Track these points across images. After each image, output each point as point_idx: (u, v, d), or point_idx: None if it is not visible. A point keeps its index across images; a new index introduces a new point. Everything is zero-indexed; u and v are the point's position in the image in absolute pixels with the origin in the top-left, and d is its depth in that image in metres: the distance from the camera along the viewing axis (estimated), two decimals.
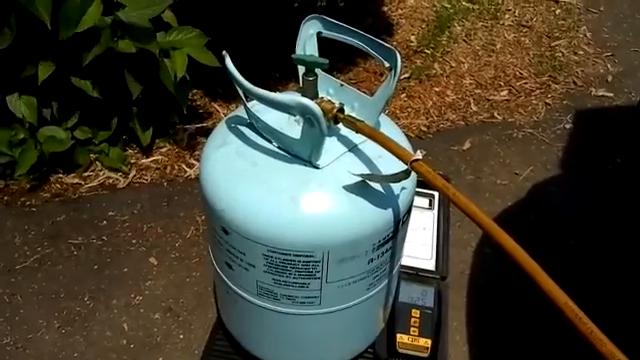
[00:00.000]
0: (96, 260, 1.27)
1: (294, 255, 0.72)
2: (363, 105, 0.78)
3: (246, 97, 0.76)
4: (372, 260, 0.78)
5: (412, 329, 1.07)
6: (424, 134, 1.69)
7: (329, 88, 0.82)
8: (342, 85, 0.81)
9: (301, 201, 0.70)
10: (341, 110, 0.73)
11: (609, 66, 2.02)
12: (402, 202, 0.77)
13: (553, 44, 2.12)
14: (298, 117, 0.74)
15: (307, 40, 0.81)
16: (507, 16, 2.25)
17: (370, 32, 0.74)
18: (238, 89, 0.75)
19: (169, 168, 1.52)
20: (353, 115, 0.73)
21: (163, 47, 1.37)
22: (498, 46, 2.09)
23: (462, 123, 1.74)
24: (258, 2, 1.66)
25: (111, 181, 1.47)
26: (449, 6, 2.26)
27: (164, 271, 1.25)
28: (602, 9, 2.32)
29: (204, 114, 1.70)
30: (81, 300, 1.19)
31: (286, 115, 0.75)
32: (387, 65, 0.73)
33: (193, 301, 1.19)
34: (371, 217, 0.72)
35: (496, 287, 1.26)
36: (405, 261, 1.25)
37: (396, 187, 0.75)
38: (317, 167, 0.72)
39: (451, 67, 1.98)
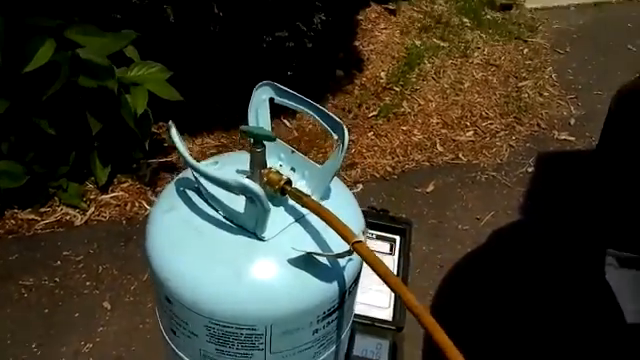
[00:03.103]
0: (47, 304, 1.23)
1: (236, 328, 0.71)
2: (312, 174, 0.78)
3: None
4: (317, 330, 0.77)
5: None
6: (389, 175, 1.70)
7: (281, 153, 0.82)
8: (293, 152, 0.81)
9: (244, 275, 0.69)
10: (288, 182, 0.73)
11: (572, 109, 2.07)
12: (348, 273, 0.76)
13: (520, 84, 2.16)
14: None
15: (259, 106, 0.81)
16: (476, 54, 2.29)
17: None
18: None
19: (129, 205, 1.49)
20: (300, 188, 0.73)
21: (124, 82, 1.36)
22: (466, 85, 2.12)
23: (427, 164, 1.76)
24: (225, 40, 1.66)
25: (68, 218, 1.44)
26: (419, 43, 2.29)
27: (117, 317, 1.22)
28: (568, 50, 2.38)
29: (168, 148, 1.69)
30: (28, 347, 1.15)
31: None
32: (335, 137, 0.74)
33: (144, 350, 1.17)
34: (316, 290, 0.72)
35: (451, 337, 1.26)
36: (361, 309, 1.25)
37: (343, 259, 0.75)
38: (262, 239, 0.72)
39: (419, 105, 2.00)
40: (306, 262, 0.71)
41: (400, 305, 1.28)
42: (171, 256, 0.73)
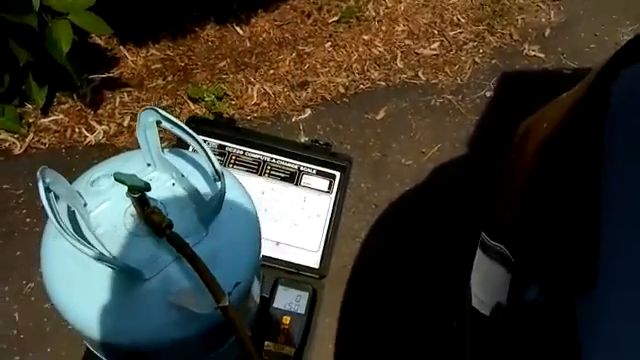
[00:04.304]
0: None
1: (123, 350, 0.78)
2: (200, 205, 0.78)
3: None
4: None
5: (280, 337, 1.17)
6: (341, 97, 1.65)
7: (173, 172, 0.81)
8: (183, 176, 0.80)
9: (123, 312, 0.74)
10: (169, 226, 0.73)
11: (552, 14, 1.93)
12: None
13: None
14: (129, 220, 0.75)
15: (147, 127, 0.77)
16: None
17: None
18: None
19: (69, 131, 1.48)
20: (178, 234, 0.73)
21: (44, 12, 1.25)
22: None
23: (383, 84, 1.69)
24: None
25: (7, 145, 1.44)
26: None
27: None
28: None
29: (111, 60, 1.61)
30: None
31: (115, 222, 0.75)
32: (213, 180, 0.72)
33: None
34: (195, 325, 0.76)
35: (374, 283, 1.35)
36: (290, 254, 1.32)
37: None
38: (143, 277, 0.74)
39: (386, 8, 1.86)
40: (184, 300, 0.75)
41: (328, 250, 1.34)
42: (58, 286, 0.77)
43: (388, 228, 1.42)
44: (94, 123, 1.50)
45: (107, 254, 0.72)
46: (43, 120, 1.48)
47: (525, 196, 0.85)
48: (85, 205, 0.77)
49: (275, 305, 1.22)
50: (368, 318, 1.29)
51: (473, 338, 0.85)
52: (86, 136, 1.48)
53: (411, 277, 1.35)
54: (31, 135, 1.46)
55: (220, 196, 0.73)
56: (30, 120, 1.48)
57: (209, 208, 0.76)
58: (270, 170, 1.43)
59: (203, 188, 0.80)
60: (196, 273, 0.70)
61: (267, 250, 1.31)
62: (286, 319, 1.20)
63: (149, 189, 0.71)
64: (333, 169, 1.45)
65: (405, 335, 1.28)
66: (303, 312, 1.22)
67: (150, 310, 0.73)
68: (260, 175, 1.42)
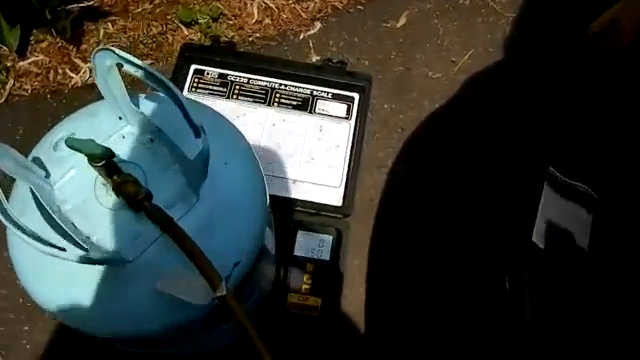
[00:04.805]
0: None
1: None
2: (187, 165, 0.63)
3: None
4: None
5: (304, 287, 1.06)
6: (354, 5, 1.43)
7: (150, 126, 0.66)
8: (161, 130, 0.64)
9: (103, 302, 0.62)
10: (147, 197, 0.59)
11: None
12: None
13: None
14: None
15: (107, 75, 0.61)
16: None
17: None
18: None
19: (52, 73, 1.32)
20: (159, 207, 0.59)
21: None
22: None
23: None
24: None
25: None
26: None
27: None
28: None
29: None
30: None
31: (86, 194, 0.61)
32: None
33: None
34: (187, 312, 0.64)
35: (404, 216, 1.21)
36: (308, 193, 1.18)
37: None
38: (125, 260, 0.61)
39: None
40: (174, 279, 0.62)
41: (352, 184, 1.20)
42: (28, 275, 0.65)
43: (417, 154, 1.26)
44: (78, 61, 1.33)
45: (77, 238, 0.59)
46: (22, 63, 1.32)
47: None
48: (47, 176, 0.63)
49: (296, 253, 1.10)
50: (401, 256, 1.17)
51: (539, 290, 0.73)
52: (71, 77, 1.31)
53: (447, 208, 1.21)
54: (11, 81, 1.30)
55: (203, 158, 0.58)
56: (8, 64, 1.32)
57: (196, 169, 0.61)
58: (280, 98, 1.26)
59: (189, 143, 0.64)
60: (185, 255, 0.57)
61: (282, 190, 1.17)
62: (309, 267, 1.09)
63: (112, 155, 0.56)
64: (351, 91, 1.28)
65: (443, 272, 1.15)
66: (328, 258, 1.10)
67: (134, 298, 0.61)
68: (269, 105, 1.26)
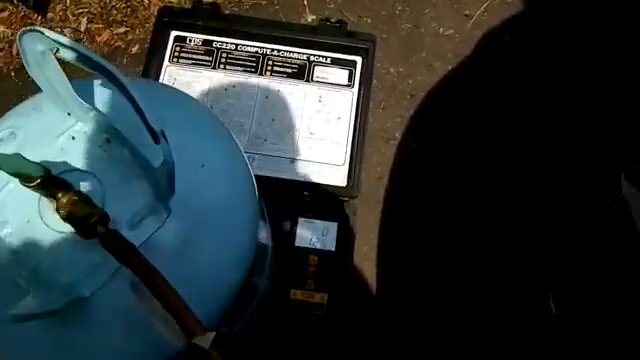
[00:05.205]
0: None
1: None
2: (153, 172, 0.50)
3: None
4: None
5: (308, 281, 0.95)
6: None
7: (104, 123, 0.53)
8: (116, 130, 0.51)
9: (64, 343, 0.50)
10: (102, 220, 0.46)
11: None
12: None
13: None
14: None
15: (40, 63, 0.48)
16: None
17: None
18: None
19: (15, 47, 1.17)
20: (117, 233, 0.46)
21: None
22: None
23: None
24: None
25: None
26: None
27: None
28: None
29: None
30: None
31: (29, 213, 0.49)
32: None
33: None
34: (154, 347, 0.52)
35: (417, 196, 1.08)
36: (309, 173, 1.06)
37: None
38: (80, 297, 0.49)
39: None
40: (142, 313, 0.50)
41: (356, 163, 1.08)
42: None
43: (430, 124, 1.12)
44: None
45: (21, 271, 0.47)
46: None
47: None
48: None
49: (297, 243, 0.98)
50: (414, 241, 1.05)
51: None
52: None
53: (465, 186, 1.08)
54: None
55: (167, 171, 0.45)
56: None
57: (162, 180, 0.49)
58: (273, 66, 1.12)
59: (153, 147, 0.51)
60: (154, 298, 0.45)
61: (278, 171, 1.05)
62: (313, 259, 0.97)
63: (46, 175, 0.43)
64: (352, 54, 1.13)
65: (461, 258, 1.04)
66: (333, 248, 0.98)
67: (95, 342, 0.49)
68: (261, 74, 1.12)
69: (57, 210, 0.46)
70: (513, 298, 0.99)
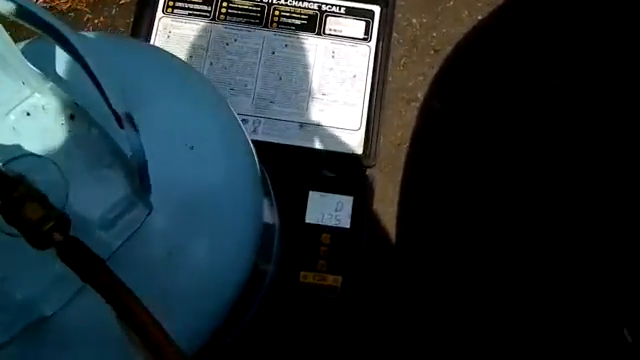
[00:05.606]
0: None
1: None
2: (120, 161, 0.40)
3: None
4: None
5: (320, 262, 0.86)
6: None
7: (66, 94, 0.42)
8: (74, 118, 0.40)
9: None
10: (60, 225, 0.36)
11: None
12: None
13: None
14: None
15: None
16: None
17: None
18: None
19: None
20: (79, 241, 0.36)
21: None
22: None
23: None
24: None
25: None
26: None
27: None
28: None
29: None
30: None
31: None
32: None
33: None
34: None
35: (440, 164, 0.97)
36: (321, 140, 0.96)
37: None
38: (41, 315, 0.40)
39: None
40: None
41: (373, 128, 0.97)
42: None
43: (456, 83, 1.00)
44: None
45: None
46: None
47: None
48: None
49: (308, 220, 0.88)
50: (436, 215, 0.95)
51: None
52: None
53: (494, 153, 0.97)
54: None
55: (138, 163, 0.34)
56: None
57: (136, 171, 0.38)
58: (279, 17, 1.00)
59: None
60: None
61: (286, 137, 0.95)
62: (325, 237, 0.88)
63: None
64: (370, 2, 1.01)
65: (493, 239, 0.94)
66: (347, 225, 0.88)
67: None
68: (266, 27, 0.99)
69: (1, 212, 0.36)
70: (544, 288, 0.90)
